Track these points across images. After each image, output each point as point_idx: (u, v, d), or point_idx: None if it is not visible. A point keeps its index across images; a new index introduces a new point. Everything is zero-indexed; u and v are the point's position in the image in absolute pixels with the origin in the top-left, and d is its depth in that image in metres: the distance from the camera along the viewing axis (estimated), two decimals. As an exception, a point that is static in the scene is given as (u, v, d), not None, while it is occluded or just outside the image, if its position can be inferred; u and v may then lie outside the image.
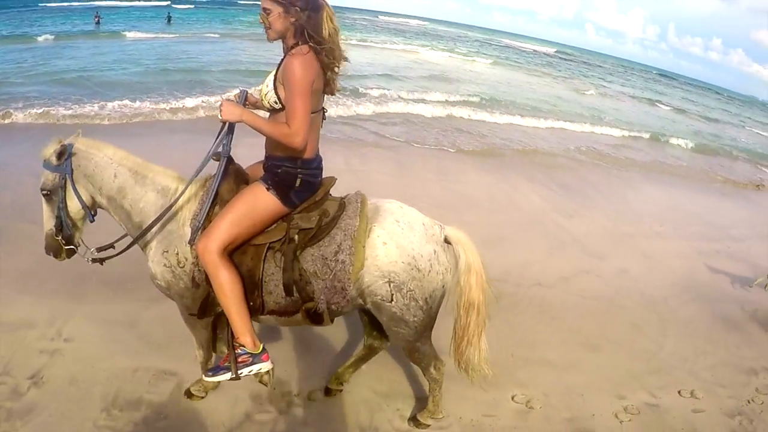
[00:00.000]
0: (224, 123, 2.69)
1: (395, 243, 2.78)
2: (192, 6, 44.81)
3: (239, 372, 2.77)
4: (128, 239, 2.92)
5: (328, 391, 3.54)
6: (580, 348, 4.70)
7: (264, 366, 2.81)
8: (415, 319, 2.88)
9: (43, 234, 2.88)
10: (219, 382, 3.04)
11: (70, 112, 9.55)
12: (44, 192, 2.79)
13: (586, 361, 4.49)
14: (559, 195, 9.11)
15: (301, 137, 2.52)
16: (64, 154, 2.73)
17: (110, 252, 2.89)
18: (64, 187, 2.78)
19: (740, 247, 8.16)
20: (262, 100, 2.68)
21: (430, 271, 2.82)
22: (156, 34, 24.40)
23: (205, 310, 2.89)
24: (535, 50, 65.57)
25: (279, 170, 2.69)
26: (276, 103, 2.61)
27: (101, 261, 2.92)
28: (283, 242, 2.74)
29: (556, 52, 71.33)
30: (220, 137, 2.73)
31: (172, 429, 3.19)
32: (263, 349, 2.83)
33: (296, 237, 2.74)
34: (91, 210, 2.89)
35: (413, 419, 3.44)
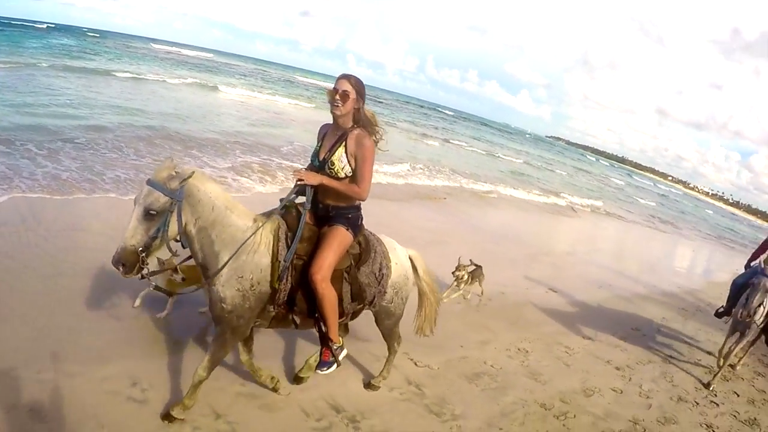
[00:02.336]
0: (304, 184, 3.59)
1: (398, 262, 4.14)
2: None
3: (339, 360, 3.87)
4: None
5: (298, 379, 4.45)
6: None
7: (344, 351, 3.90)
8: (399, 312, 4.28)
9: (118, 246, 3.06)
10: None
11: None
12: (151, 211, 3.06)
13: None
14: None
15: (367, 195, 3.66)
16: (177, 180, 3.10)
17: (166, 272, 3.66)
18: (171, 211, 3.12)
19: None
20: (336, 173, 3.58)
21: (408, 279, 4.24)
22: None
23: (250, 328, 3.67)
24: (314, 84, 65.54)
25: (350, 215, 3.72)
26: (350, 173, 3.60)
27: (150, 276, 3.28)
28: (349, 266, 3.80)
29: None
30: (295, 192, 3.64)
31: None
32: (342, 342, 3.90)
33: (352, 261, 3.83)
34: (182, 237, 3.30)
35: (367, 384, 4.73)
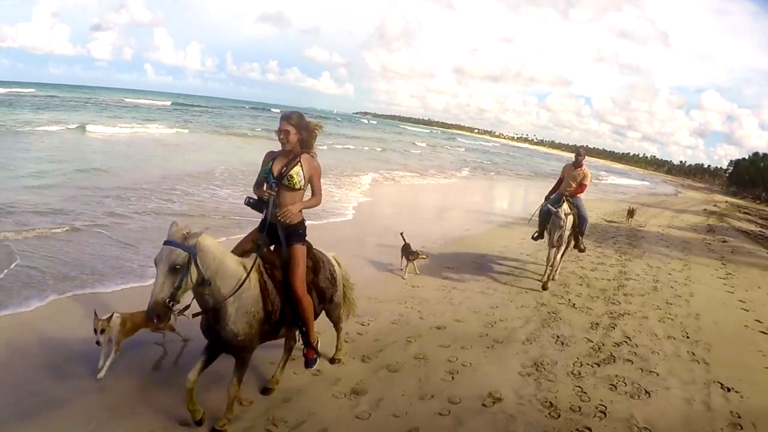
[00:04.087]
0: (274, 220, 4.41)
1: (339, 264, 5.31)
2: None
3: (319, 354, 4.90)
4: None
5: (266, 391, 4.93)
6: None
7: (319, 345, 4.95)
8: (341, 302, 5.38)
9: (150, 301, 3.54)
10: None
11: None
12: (176, 266, 3.59)
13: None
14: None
15: (322, 202, 4.72)
16: (194, 238, 3.68)
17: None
18: (190, 263, 3.66)
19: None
20: (294, 185, 4.37)
21: (340, 276, 5.29)
22: None
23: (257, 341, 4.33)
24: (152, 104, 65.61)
25: (300, 231, 4.53)
26: (303, 185, 4.45)
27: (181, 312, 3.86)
28: (312, 278, 4.72)
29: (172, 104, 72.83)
30: (266, 224, 4.42)
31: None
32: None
33: (312, 273, 4.74)
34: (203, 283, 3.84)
35: (331, 360, 5.60)
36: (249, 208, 4.50)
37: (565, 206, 9.34)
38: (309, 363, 4.77)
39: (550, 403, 5.04)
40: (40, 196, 11.12)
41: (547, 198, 10.16)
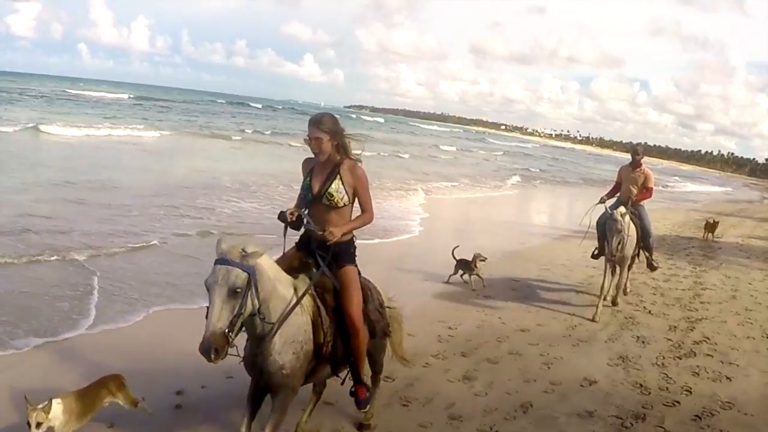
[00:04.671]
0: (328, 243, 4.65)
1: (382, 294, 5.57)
2: None
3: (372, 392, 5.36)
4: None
5: None
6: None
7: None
8: (387, 340, 5.64)
9: (206, 333, 3.71)
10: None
11: None
12: (237, 289, 3.79)
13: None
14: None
15: (374, 216, 4.96)
16: (252, 256, 3.89)
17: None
18: (249, 285, 3.88)
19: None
20: (336, 204, 4.67)
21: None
22: None
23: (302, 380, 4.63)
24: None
25: (352, 250, 4.93)
26: (347, 202, 4.73)
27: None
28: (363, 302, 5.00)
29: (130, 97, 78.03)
30: (318, 252, 4.76)
31: None
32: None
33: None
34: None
35: (360, 426, 5.73)
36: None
37: (622, 209, 10.15)
38: (361, 404, 5.08)
39: (640, 384, 7.15)
40: (68, 213, 13.44)
41: (602, 200, 11.01)
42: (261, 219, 14.96)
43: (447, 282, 11.16)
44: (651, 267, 11.59)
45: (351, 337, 4.69)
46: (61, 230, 11.83)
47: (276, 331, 4.18)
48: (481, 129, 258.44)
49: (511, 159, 66.67)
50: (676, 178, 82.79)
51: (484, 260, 11.23)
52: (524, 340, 8.49)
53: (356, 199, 4.77)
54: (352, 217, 4.86)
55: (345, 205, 4.70)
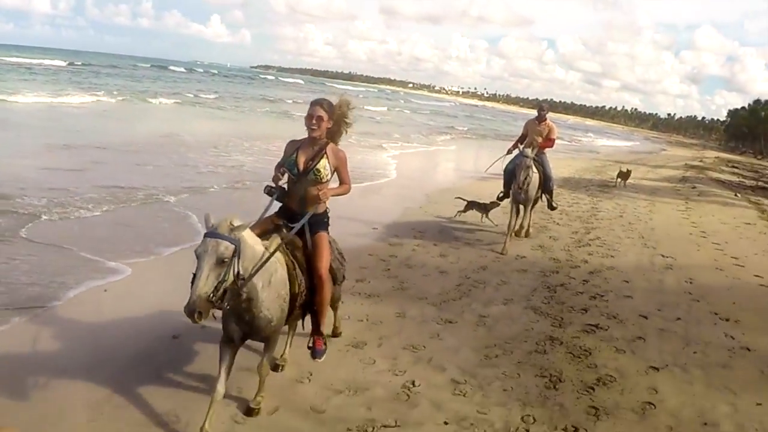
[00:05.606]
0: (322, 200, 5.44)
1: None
2: None
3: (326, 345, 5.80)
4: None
5: (276, 368, 5.88)
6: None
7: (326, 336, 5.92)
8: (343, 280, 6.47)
9: (191, 297, 4.09)
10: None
11: None
12: (224, 259, 4.24)
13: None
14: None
15: (352, 188, 5.82)
16: (238, 229, 4.37)
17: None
18: (234, 255, 4.33)
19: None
20: (321, 179, 5.41)
21: None
22: None
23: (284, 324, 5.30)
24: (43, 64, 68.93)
25: (326, 219, 5.70)
26: (330, 178, 5.54)
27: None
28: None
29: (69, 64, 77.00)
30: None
31: None
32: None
33: None
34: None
35: (334, 333, 6.76)
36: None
37: (529, 150, 11.62)
38: (317, 354, 5.63)
39: (554, 258, 10.83)
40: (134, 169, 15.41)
41: (509, 151, 12.76)
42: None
43: (455, 217, 13.50)
44: (551, 207, 13.26)
45: (317, 290, 5.42)
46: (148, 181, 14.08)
47: (260, 290, 4.68)
48: (389, 87, 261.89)
49: (438, 118, 72.50)
50: (590, 134, 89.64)
51: (498, 205, 13.20)
52: (470, 239, 12.12)
53: (335, 175, 5.61)
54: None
55: (327, 180, 5.51)
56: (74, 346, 6.13)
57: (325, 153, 5.45)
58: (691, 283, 10.13)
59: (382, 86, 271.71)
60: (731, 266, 11.70)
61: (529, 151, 11.58)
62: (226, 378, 4.85)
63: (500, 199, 12.89)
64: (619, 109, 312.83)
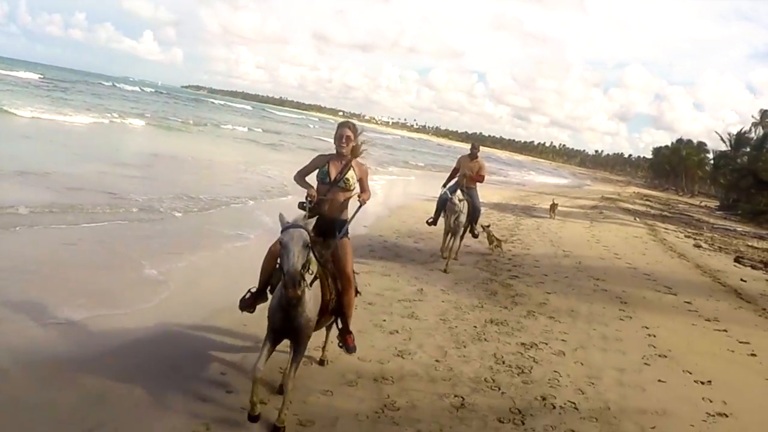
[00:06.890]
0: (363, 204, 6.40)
1: None
2: None
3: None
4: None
5: (322, 362, 7.14)
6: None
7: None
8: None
9: (290, 271, 4.99)
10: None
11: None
12: (307, 244, 5.16)
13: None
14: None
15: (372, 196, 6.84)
16: (309, 224, 5.44)
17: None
18: (308, 245, 5.25)
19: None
20: (349, 187, 6.42)
21: None
22: None
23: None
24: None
25: (347, 226, 6.53)
26: (356, 186, 6.53)
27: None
28: None
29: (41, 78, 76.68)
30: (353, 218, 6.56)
31: None
32: None
33: None
34: None
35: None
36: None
37: (459, 193, 13.22)
38: (350, 349, 6.47)
39: (490, 249, 16.04)
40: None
41: (444, 185, 14.13)
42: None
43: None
44: (473, 234, 14.93)
45: (345, 292, 6.22)
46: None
47: (306, 291, 5.32)
48: (319, 115, 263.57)
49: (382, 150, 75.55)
50: (531, 172, 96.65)
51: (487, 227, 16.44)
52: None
53: (359, 185, 6.51)
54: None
55: (353, 188, 6.43)
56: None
57: (351, 166, 6.47)
58: (579, 263, 15.72)
59: (313, 113, 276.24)
60: (612, 257, 17.62)
61: (456, 198, 13.16)
62: (266, 361, 5.44)
63: (429, 223, 14.64)
64: (547, 144, 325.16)
